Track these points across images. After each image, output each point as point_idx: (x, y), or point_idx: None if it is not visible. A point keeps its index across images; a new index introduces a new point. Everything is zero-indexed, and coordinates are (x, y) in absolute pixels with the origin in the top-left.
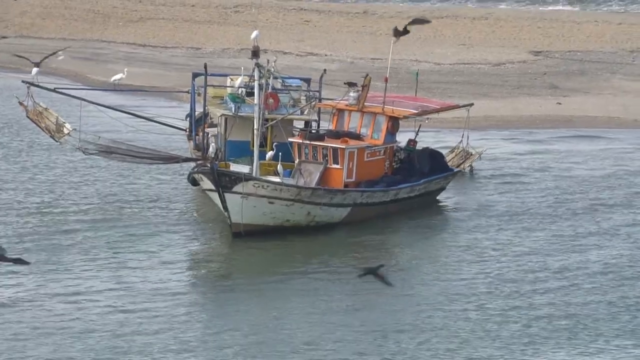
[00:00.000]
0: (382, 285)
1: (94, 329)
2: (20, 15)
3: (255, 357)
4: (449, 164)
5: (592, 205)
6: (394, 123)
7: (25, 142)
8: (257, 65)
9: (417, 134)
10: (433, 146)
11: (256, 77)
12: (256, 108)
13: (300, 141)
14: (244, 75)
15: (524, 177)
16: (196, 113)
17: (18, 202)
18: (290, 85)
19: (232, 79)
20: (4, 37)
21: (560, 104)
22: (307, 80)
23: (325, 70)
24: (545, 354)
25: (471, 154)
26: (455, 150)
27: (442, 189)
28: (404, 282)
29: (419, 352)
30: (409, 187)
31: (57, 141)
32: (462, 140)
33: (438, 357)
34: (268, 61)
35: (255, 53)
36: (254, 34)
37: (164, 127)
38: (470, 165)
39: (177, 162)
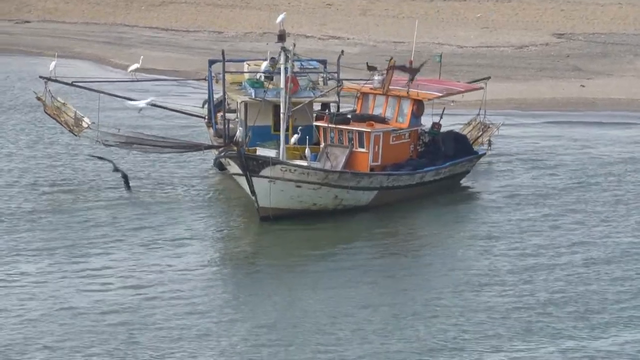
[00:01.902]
0: (409, 269)
1: (118, 310)
2: (43, 0)
3: (281, 340)
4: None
5: (616, 188)
6: (419, 106)
7: (47, 128)
8: (283, 49)
9: (441, 117)
10: (455, 128)
11: (282, 61)
12: (282, 92)
13: (326, 125)
14: (270, 59)
15: (547, 159)
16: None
17: (42, 185)
18: (308, 68)
19: (249, 65)
20: (27, 22)
21: (583, 86)
22: (323, 62)
23: (342, 51)
24: (569, 335)
25: (489, 127)
26: (472, 123)
27: (467, 172)
28: (430, 266)
29: (445, 334)
30: (435, 171)
31: (76, 135)
32: (479, 113)
33: (465, 338)
34: (294, 45)
35: (282, 37)
36: (280, 17)
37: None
38: (489, 139)
39: (199, 149)
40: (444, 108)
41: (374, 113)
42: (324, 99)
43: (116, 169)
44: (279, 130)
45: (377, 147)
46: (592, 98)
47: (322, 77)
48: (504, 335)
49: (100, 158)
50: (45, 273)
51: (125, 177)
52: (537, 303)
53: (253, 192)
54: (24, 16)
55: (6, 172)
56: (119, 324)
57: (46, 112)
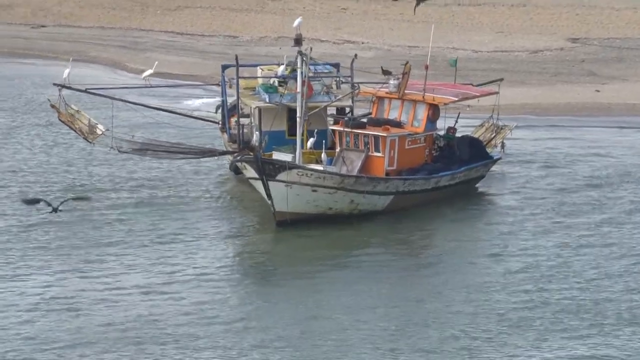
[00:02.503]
0: (424, 275)
1: (130, 314)
2: (59, 4)
3: (294, 344)
4: (479, 138)
5: (631, 194)
6: (435, 110)
7: (62, 133)
8: (300, 53)
9: (456, 121)
10: (468, 131)
11: (299, 65)
12: (299, 96)
13: (342, 129)
14: (287, 63)
15: (562, 165)
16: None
17: (57, 189)
18: (322, 72)
19: (262, 69)
20: (43, 26)
21: (598, 91)
22: (336, 66)
23: (356, 55)
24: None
25: (502, 128)
26: (485, 124)
27: (482, 176)
28: (445, 272)
29: (458, 341)
30: (450, 175)
31: (90, 142)
32: (492, 115)
33: (478, 345)
34: (311, 49)
35: (298, 41)
36: (297, 21)
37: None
38: (502, 141)
39: (214, 155)
40: (459, 112)
41: (389, 117)
42: (339, 104)
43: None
44: (293, 135)
45: (392, 151)
46: (607, 103)
47: (335, 81)
48: (516, 343)
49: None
50: (58, 276)
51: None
52: (551, 310)
53: (269, 196)
54: (40, 20)
55: (21, 177)
56: (131, 328)
57: (60, 120)
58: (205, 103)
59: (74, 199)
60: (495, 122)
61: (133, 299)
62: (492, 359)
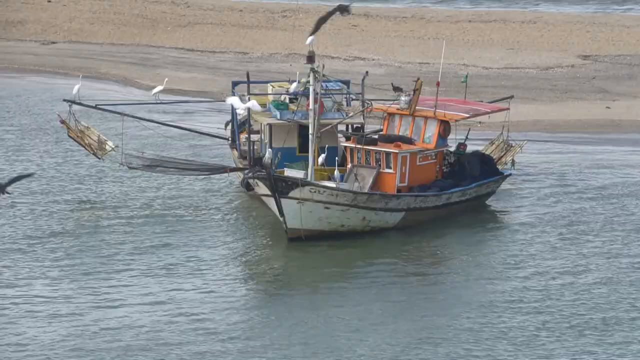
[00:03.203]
0: (435, 293)
1: (140, 331)
2: (69, 21)
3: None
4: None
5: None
6: (446, 127)
7: (71, 150)
8: (313, 70)
9: (466, 138)
10: (478, 148)
11: (311, 82)
12: (311, 113)
13: (353, 145)
14: (298, 81)
15: (572, 182)
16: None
17: (66, 206)
18: (332, 89)
19: (273, 86)
20: (53, 43)
21: (609, 108)
22: (347, 83)
23: (367, 72)
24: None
25: (512, 146)
26: (495, 142)
27: (492, 192)
28: (455, 288)
29: (475, 356)
30: (461, 191)
31: (99, 158)
32: (502, 133)
33: (495, 357)
34: (323, 66)
35: (311, 58)
36: (310, 39)
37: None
38: (512, 159)
39: (225, 172)
40: (469, 129)
41: (400, 133)
42: (350, 120)
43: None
44: (304, 152)
45: (404, 167)
46: (618, 120)
47: (345, 98)
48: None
49: None
50: (66, 293)
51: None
52: (559, 329)
53: (281, 213)
54: (50, 37)
55: (30, 194)
56: (141, 347)
57: (69, 136)
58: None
59: (21, 177)
60: (505, 139)
61: (141, 315)
62: None
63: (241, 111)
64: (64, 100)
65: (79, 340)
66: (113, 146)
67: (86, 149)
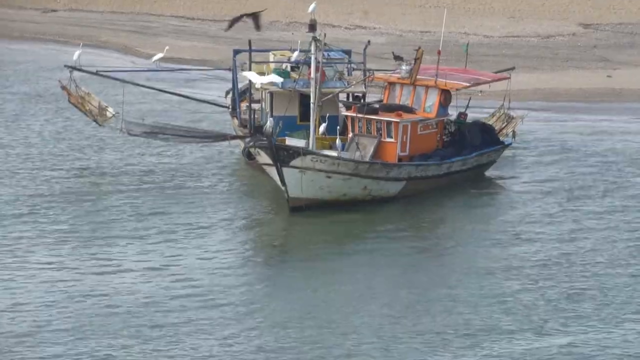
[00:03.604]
0: (434, 261)
1: (139, 299)
2: None
3: (313, 334)
4: None
5: None
6: (447, 96)
7: (72, 119)
8: (314, 39)
9: (467, 107)
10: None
11: (313, 51)
12: (313, 82)
13: (355, 114)
14: (300, 50)
15: (573, 151)
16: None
17: (67, 175)
18: (334, 58)
19: (274, 55)
20: (54, 11)
21: (610, 76)
22: (348, 52)
23: (369, 41)
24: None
25: (513, 118)
26: (496, 114)
27: (493, 162)
28: (455, 258)
29: (473, 324)
30: (462, 161)
31: (99, 125)
32: (503, 104)
33: (493, 326)
34: (324, 35)
35: (313, 26)
36: (311, 6)
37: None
38: (513, 130)
39: (226, 139)
40: (470, 98)
41: (401, 103)
42: (352, 90)
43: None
44: (304, 121)
45: (405, 137)
46: (619, 89)
47: (347, 67)
48: (521, 328)
49: None
50: (64, 261)
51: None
52: (557, 297)
53: (283, 182)
54: (51, 5)
55: (31, 161)
56: (139, 312)
57: (70, 102)
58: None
59: None
60: (506, 111)
61: (139, 281)
62: (497, 346)
63: (258, 85)
64: (65, 66)
65: (77, 306)
66: (114, 112)
67: (87, 115)
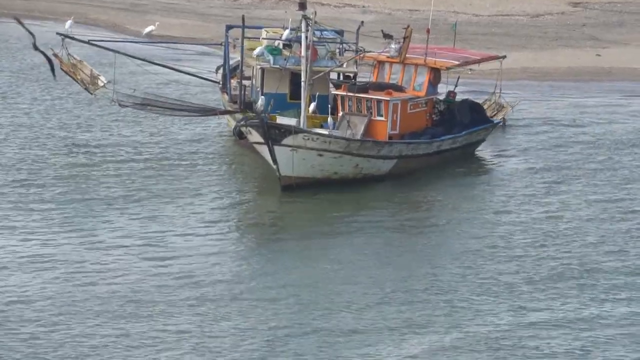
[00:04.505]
0: (427, 239)
1: (129, 280)
2: None
3: (302, 311)
4: None
5: (631, 161)
6: (436, 74)
7: (62, 93)
8: (304, 17)
9: (456, 86)
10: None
11: (303, 30)
12: (303, 60)
13: (345, 93)
14: (290, 28)
15: (561, 130)
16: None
17: (54, 154)
18: (327, 38)
19: (267, 32)
20: None
21: (599, 55)
22: (340, 33)
23: (362, 22)
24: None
25: (503, 106)
26: (488, 102)
27: (482, 140)
28: (446, 236)
29: (467, 301)
30: (451, 139)
31: (91, 93)
32: (494, 92)
33: (476, 306)
34: (315, 13)
35: (303, 5)
36: None
37: (199, 79)
38: (503, 118)
39: (215, 114)
40: (459, 77)
41: (390, 82)
42: (343, 69)
43: (37, 48)
44: (294, 99)
45: (395, 115)
46: (608, 67)
47: (339, 47)
48: (504, 308)
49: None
50: (52, 238)
51: (50, 62)
52: (541, 277)
53: (275, 160)
54: None
55: (18, 140)
56: (130, 290)
57: (62, 69)
58: None
59: None
60: (497, 99)
61: (132, 263)
62: (480, 327)
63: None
64: (57, 33)
65: (63, 286)
66: (105, 81)
67: (78, 83)
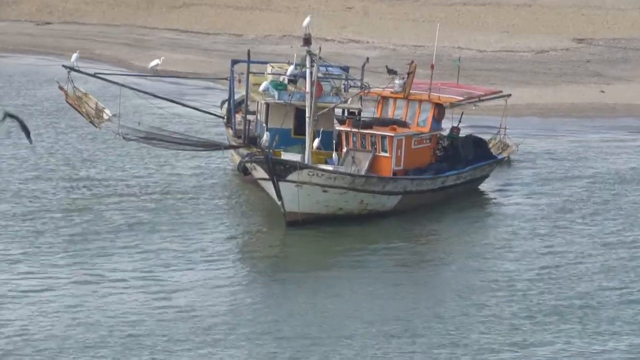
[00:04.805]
0: (431, 274)
1: (135, 318)
2: (64, 1)
3: (304, 347)
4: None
5: (635, 198)
6: (440, 110)
7: (66, 128)
8: (309, 52)
9: (459, 121)
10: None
11: (308, 65)
12: (308, 96)
13: (349, 129)
14: (295, 63)
15: (566, 167)
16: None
17: (58, 188)
18: (332, 74)
19: (272, 67)
20: (48, 23)
21: (603, 92)
22: (346, 69)
23: (368, 59)
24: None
25: (508, 145)
26: (493, 142)
27: (486, 176)
28: (450, 274)
29: (469, 337)
30: (456, 175)
31: (96, 127)
32: (499, 132)
33: (486, 341)
34: (320, 49)
35: (307, 40)
36: (306, 21)
37: (203, 114)
38: (508, 156)
39: (219, 149)
40: (462, 112)
41: (394, 117)
42: (348, 105)
43: (11, 115)
44: (299, 134)
45: (399, 151)
46: (613, 104)
47: (344, 84)
48: (508, 344)
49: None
50: (55, 276)
51: (25, 129)
52: (544, 313)
53: (280, 196)
54: (45, 17)
55: (23, 174)
56: (137, 334)
57: (67, 102)
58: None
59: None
60: (502, 138)
61: (134, 296)
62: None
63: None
64: (63, 66)
65: (64, 320)
66: (110, 115)
67: (83, 116)
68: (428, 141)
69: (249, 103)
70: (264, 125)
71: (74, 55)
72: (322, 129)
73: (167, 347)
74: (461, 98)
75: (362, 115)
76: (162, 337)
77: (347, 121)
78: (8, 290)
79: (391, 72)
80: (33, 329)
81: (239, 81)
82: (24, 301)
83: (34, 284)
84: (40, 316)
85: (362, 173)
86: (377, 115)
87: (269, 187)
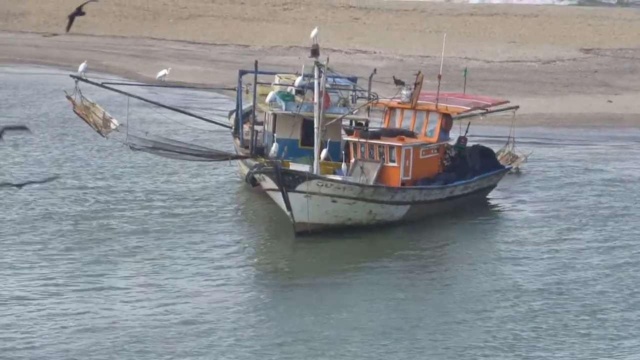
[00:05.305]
0: (440, 284)
1: (143, 327)
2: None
3: (314, 354)
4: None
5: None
6: (447, 120)
7: (73, 139)
8: (317, 63)
9: (466, 131)
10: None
11: (316, 76)
12: (316, 107)
13: (357, 139)
14: (304, 74)
15: (573, 177)
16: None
17: (65, 197)
18: (340, 85)
19: (280, 77)
20: (55, 35)
21: (611, 102)
22: (354, 80)
23: (375, 70)
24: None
25: (517, 157)
26: (501, 154)
27: (494, 186)
28: (460, 285)
29: (472, 351)
30: (464, 185)
31: (103, 136)
32: (507, 143)
33: (491, 352)
34: (327, 59)
35: (315, 51)
36: (314, 32)
37: (211, 124)
38: (517, 168)
39: (226, 159)
40: (469, 122)
41: (402, 127)
42: (356, 116)
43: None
44: (306, 145)
45: (407, 161)
46: (620, 114)
47: (352, 95)
48: (522, 354)
49: None
50: (63, 289)
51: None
52: (554, 324)
53: (289, 207)
54: (52, 29)
55: (31, 186)
56: (143, 341)
57: (75, 112)
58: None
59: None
60: (511, 149)
61: (142, 309)
62: None
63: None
64: (71, 75)
65: (70, 332)
66: (117, 124)
67: (91, 126)
68: (436, 151)
69: (256, 113)
70: (272, 135)
71: (82, 65)
72: (329, 140)
73: (173, 355)
74: (468, 108)
75: (369, 125)
76: (167, 345)
77: (354, 132)
78: (15, 297)
79: (398, 82)
80: (39, 335)
81: (247, 92)
82: (29, 308)
83: (41, 290)
84: (46, 322)
85: (371, 183)
86: (384, 126)
87: (277, 197)
